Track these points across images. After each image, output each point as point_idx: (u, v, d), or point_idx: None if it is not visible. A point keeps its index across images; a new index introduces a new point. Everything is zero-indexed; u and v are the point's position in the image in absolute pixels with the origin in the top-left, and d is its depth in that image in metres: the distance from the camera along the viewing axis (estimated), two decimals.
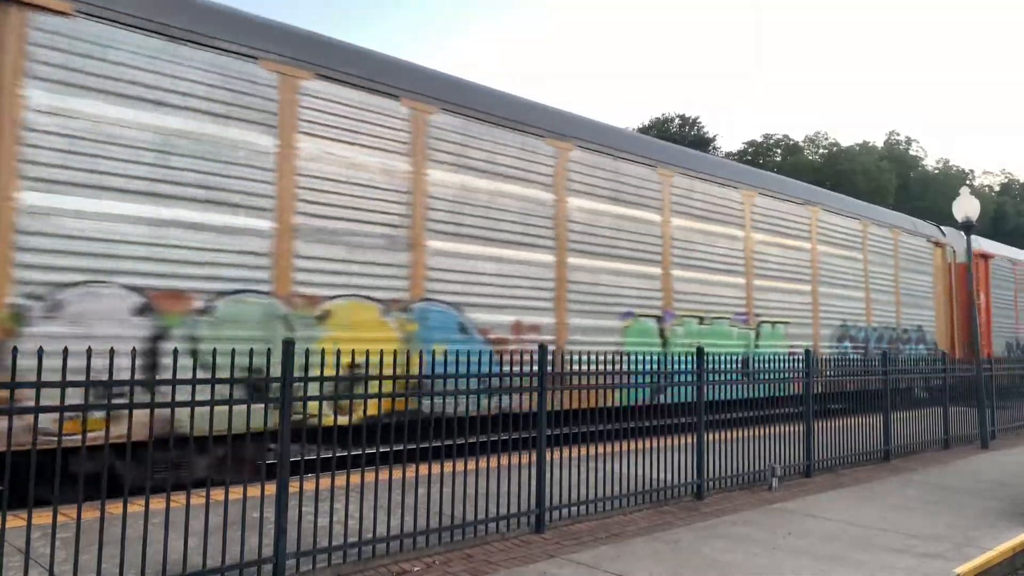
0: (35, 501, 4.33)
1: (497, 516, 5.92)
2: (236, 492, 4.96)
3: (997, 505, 7.80)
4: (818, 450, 9.29)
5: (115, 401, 4.17)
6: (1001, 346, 21.12)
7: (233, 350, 4.77)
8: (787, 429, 8.95)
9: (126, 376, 4.29)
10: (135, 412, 4.24)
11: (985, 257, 21.03)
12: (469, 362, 6.23)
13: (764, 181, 14.96)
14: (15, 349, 3.83)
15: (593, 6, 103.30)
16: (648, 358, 7.50)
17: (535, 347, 6.56)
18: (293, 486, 5.86)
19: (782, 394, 9.14)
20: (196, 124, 7.30)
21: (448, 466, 5.89)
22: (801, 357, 9.43)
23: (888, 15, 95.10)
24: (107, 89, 6.80)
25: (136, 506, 4.90)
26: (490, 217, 9.77)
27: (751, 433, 8.41)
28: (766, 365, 8.88)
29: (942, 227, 20.56)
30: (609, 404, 7.00)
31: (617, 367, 7.15)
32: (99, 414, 5.33)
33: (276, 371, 4.76)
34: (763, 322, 13.92)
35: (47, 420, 5.15)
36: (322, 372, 4.94)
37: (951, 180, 50.64)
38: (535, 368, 6.31)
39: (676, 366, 7.70)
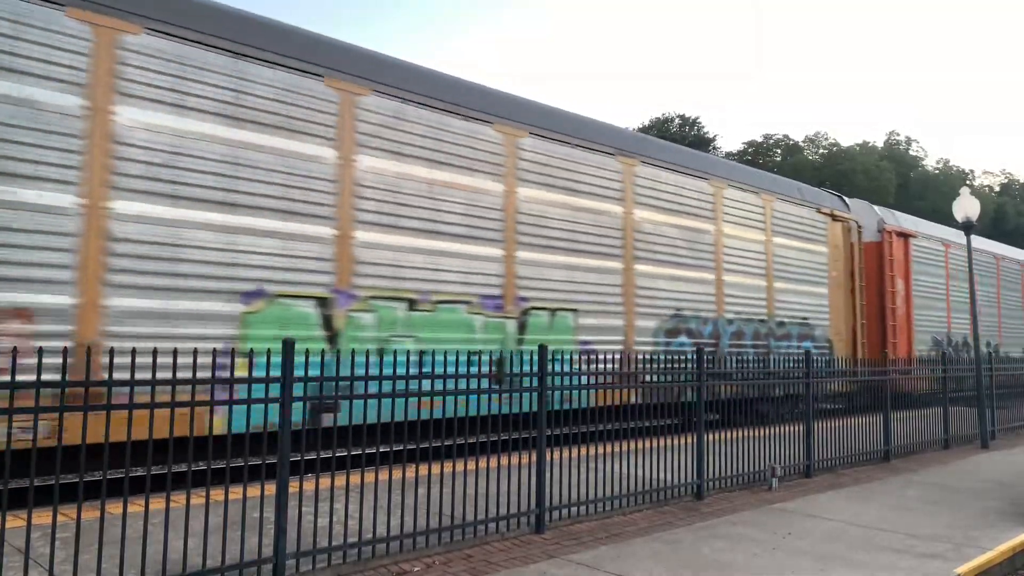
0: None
1: (497, 516, 5.91)
2: (236, 492, 4.96)
3: (997, 505, 7.80)
4: (818, 450, 9.29)
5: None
6: (926, 343, 18.18)
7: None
8: (787, 429, 8.95)
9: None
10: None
11: (904, 236, 17.93)
12: None
13: (540, 118, 11.00)
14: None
15: (593, 6, 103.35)
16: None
17: None
18: (293, 486, 5.85)
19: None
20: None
21: (448, 466, 5.89)
22: (800, 357, 9.35)
23: (887, 15, 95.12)
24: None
25: (136, 506, 4.90)
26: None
27: (751, 433, 8.41)
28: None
29: (847, 198, 17.43)
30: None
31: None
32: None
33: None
34: (533, 309, 10.29)
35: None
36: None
37: (951, 180, 50.66)
38: None
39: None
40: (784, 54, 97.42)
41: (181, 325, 7.34)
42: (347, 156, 8.68)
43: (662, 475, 7.33)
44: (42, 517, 5.04)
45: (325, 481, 5.28)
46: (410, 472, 7.09)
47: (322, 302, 8.34)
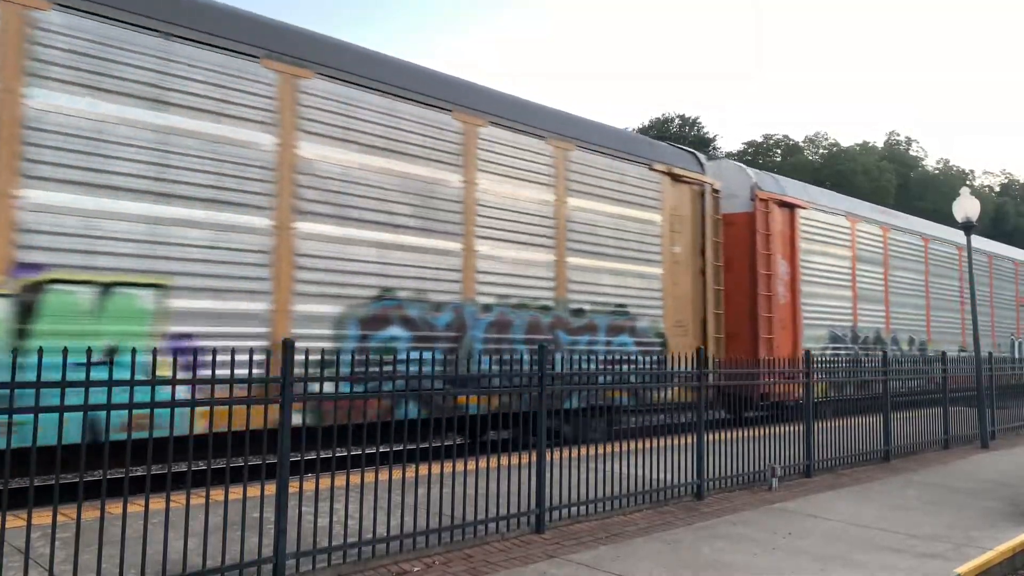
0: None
1: (497, 516, 5.91)
2: (236, 492, 4.96)
3: (997, 505, 7.80)
4: (818, 450, 9.29)
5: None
6: (821, 338, 14.86)
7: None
8: (787, 429, 8.95)
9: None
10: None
11: (789, 207, 14.49)
12: None
13: None
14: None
15: (593, 6, 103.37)
16: None
17: None
18: (293, 486, 5.85)
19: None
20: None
21: (448, 466, 5.89)
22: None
23: (887, 15, 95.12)
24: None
25: (136, 506, 4.89)
26: None
27: (751, 433, 8.40)
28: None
29: (703, 156, 13.73)
30: None
31: None
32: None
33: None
34: (53, 282, 6.54)
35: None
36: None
37: (951, 180, 50.70)
38: None
39: None
40: (784, 54, 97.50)
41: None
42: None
43: (662, 475, 7.33)
44: (42, 517, 5.04)
45: (325, 481, 5.28)
46: (410, 472, 7.09)
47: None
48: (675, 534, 6.24)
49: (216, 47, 7.73)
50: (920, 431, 11.52)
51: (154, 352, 4.95)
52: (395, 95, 9.10)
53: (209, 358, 4.56)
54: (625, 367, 7.33)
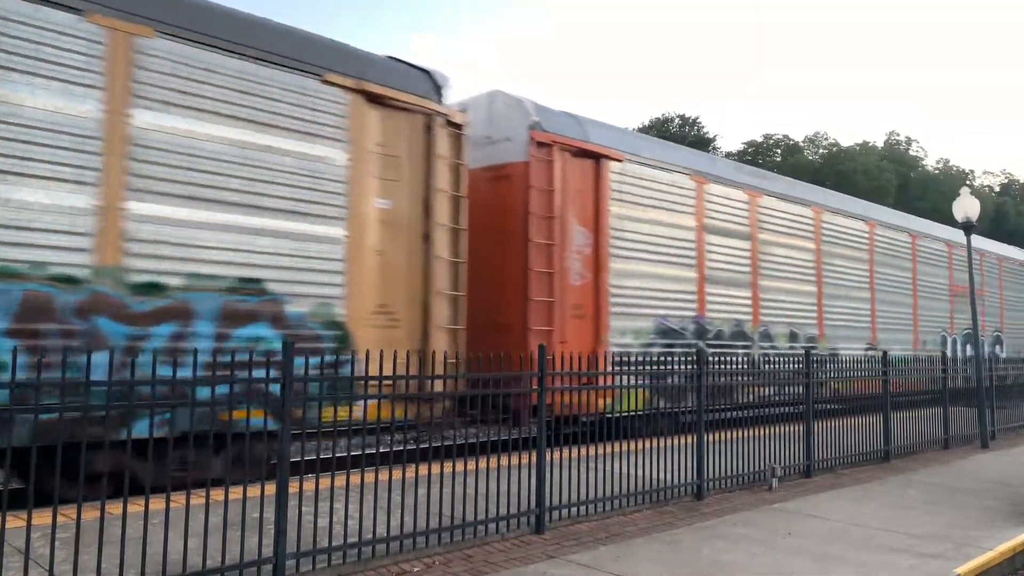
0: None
1: (497, 516, 5.91)
2: (236, 492, 4.96)
3: (997, 505, 7.80)
4: (818, 450, 9.28)
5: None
6: (643, 331, 11.38)
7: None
8: (787, 429, 8.95)
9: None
10: None
11: (592, 157, 10.86)
12: None
13: None
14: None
15: (593, 6, 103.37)
16: None
17: None
18: (293, 486, 5.85)
19: None
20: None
21: (448, 466, 5.89)
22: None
23: (887, 15, 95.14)
24: None
25: (136, 506, 4.89)
26: None
27: (751, 433, 8.40)
28: None
29: (441, 74, 9.60)
30: None
31: None
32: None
33: None
34: None
35: None
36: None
37: (951, 180, 50.69)
38: None
39: None
40: (784, 54, 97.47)
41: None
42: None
43: (662, 475, 7.32)
44: (42, 517, 5.04)
45: (325, 481, 5.28)
46: (410, 472, 7.09)
47: None
48: (675, 534, 6.23)
49: None
50: (920, 431, 11.52)
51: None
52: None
53: None
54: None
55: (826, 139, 55.98)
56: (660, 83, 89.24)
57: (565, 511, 6.46)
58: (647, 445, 7.26)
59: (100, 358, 4.89)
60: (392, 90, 8.91)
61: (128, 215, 6.98)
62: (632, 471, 7.13)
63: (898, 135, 58.44)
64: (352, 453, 5.32)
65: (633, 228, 11.54)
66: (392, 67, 9.36)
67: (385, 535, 5.22)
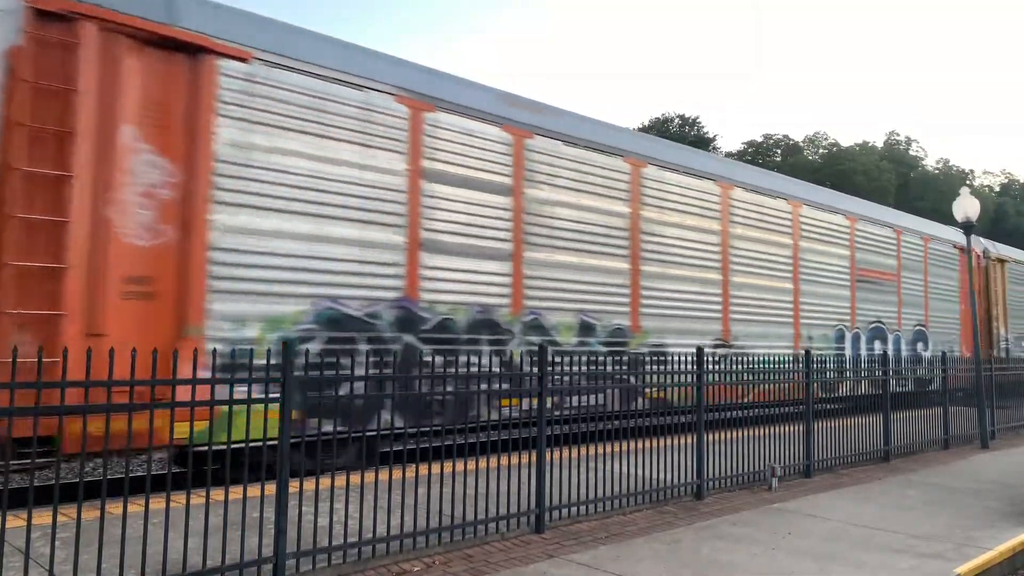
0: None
1: (497, 516, 5.91)
2: (236, 492, 4.96)
3: (997, 505, 7.80)
4: (818, 450, 9.28)
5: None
6: (273, 317, 7.47)
7: None
8: (787, 429, 8.95)
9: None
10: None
11: (188, 50, 7.18)
12: None
13: None
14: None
15: (593, 6, 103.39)
16: None
17: None
18: (293, 486, 5.85)
19: None
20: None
21: (448, 466, 5.89)
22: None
23: (887, 15, 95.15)
24: None
25: (136, 506, 4.89)
26: None
27: (751, 433, 8.40)
28: None
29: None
30: None
31: None
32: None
33: None
34: None
35: None
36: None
37: (951, 180, 50.72)
38: None
39: None
40: (784, 54, 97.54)
41: None
42: None
43: (662, 475, 7.32)
44: (42, 517, 5.04)
45: (325, 481, 5.28)
46: (410, 472, 7.09)
47: None
48: (675, 534, 6.23)
49: None
50: (920, 431, 11.52)
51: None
52: None
53: None
54: None
55: (826, 139, 56.08)
56: (660, 83, 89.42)
57: (565, 511, 6.46)
58: (647, 445, 7.26)
59: None
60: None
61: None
62: (632, 471, 7.13)
63: (898, 135, 58.56)
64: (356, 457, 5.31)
65: (269, 162, 7.69)
66: None
67: (385, 535, 5.22)
